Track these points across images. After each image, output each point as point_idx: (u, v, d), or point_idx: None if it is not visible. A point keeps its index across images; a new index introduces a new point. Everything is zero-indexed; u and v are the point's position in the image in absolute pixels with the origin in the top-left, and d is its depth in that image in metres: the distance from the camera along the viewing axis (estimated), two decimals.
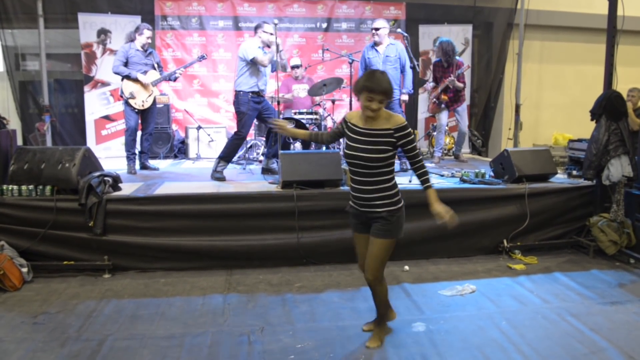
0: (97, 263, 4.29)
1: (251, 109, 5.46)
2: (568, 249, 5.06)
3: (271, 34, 5.43)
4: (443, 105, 6.98)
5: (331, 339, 3.16)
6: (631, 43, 7.77)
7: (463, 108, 7.09)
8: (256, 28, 5.57)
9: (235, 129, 5.62)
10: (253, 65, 5.42)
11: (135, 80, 5.97)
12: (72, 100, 8.12)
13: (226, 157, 5.53)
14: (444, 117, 7.06)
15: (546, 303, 3.77)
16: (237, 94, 5.52)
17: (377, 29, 6.00)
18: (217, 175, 5.43)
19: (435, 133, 7.36)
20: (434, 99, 7.05)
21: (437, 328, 3.35)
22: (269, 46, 5.50)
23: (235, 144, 5.58)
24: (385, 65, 5.97)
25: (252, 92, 5.46)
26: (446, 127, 7.35)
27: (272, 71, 5.72)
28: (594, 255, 4.82)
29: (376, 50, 6.04)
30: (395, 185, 2.95)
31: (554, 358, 2.97)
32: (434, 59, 7.67)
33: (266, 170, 5.83)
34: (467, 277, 4.30)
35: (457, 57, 6.99)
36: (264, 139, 6.88)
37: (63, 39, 7.82)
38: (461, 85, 6.86)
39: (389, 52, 5.99)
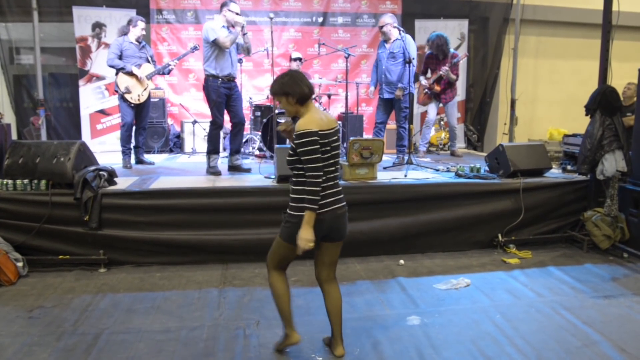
0: (93, 257, 4.29)
1: (221, 95, 5.28)
2: (562, 243, 5.10)
3: (237, 13, 5.26)
4: (433, 97, 6.97)
5: (326, 333, 3.16)
6: (626, 38, 7.82)
7: (453, 103, 7.08)
8: (222, 6, 5.36)
9: (210, 119, 5.44)
10: (217, 46, 5.22)
11: (130, 74, 5.94)
12: (66, 94, 8.07)
13: (213, 149, 5.45)
14: (432, 111, 7.06)
15: (540, 297, 3.80)
16: (207, 79, 5.32)
17: (380, 27, 6.10)
18: (213, 170, 5.40)
19: (423, 127, 7.36)
20: (426, 90, 7.03)
21: (432, 321, 3.37)
22: (233, 26, 5.31)
23: (215, 134, 5.46)
24: (389, 61, 5.96)
25: (222, 77, 5.29)
26: (440, 121, 7.34)
27: (237, 53, 5.53)
28: (588, 250, 4.86)
29: (384, 46, 6.08)
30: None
31: (547, 351, 3.00)
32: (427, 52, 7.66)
33: (232, 168, 5.63)
34: (462, 271, 4.33)
35: (452, 50, 6.98)
36: (260, 133, 6.87)
37: (58, 32, 7.77)
38: (454, 77, 6.84)
39: (394, 47, 5.98)
